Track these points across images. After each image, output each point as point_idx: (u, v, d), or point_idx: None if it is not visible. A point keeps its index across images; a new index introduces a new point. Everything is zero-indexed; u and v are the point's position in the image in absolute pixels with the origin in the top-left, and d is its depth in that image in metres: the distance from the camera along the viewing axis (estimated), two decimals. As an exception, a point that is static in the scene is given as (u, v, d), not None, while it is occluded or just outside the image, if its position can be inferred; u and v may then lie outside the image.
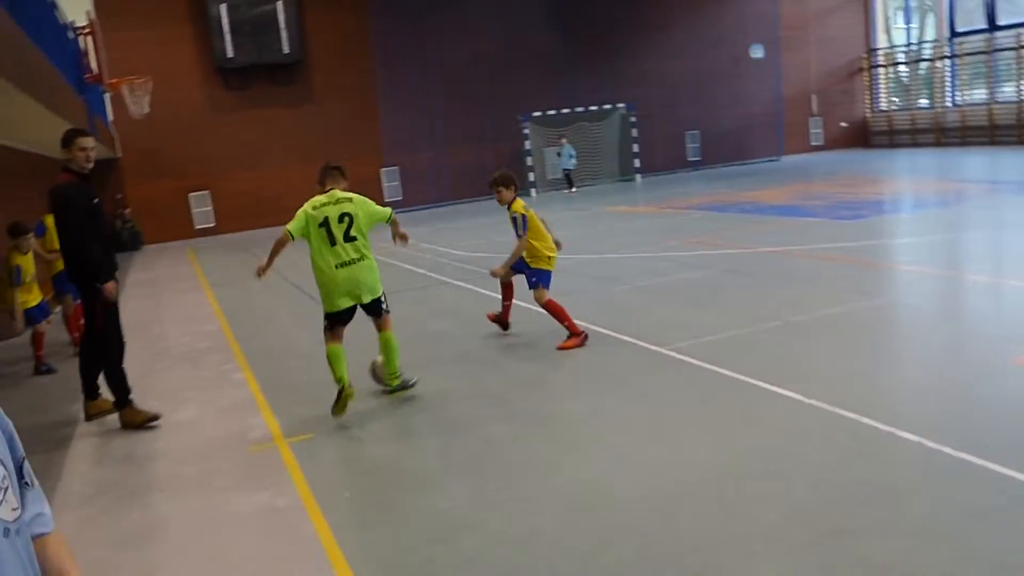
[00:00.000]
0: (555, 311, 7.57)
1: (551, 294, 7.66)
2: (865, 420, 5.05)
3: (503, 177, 7.80)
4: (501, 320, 8.31)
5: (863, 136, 34.30)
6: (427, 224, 20.86)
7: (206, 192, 25.96)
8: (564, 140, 27.85)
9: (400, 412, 6.27)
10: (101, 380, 6.94)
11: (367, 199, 6.43)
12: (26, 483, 1.63)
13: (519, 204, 7.73)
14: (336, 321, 6.29)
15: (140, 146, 24.41)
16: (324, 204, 6.23)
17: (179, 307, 9.76)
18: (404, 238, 6.83)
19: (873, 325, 7.45)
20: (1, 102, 8.29)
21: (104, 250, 6.58)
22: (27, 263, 9.08)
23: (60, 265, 10.15)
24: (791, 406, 5.47)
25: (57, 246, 10.03)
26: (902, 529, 3.81)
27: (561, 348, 7.45)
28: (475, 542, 4.11)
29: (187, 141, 25.34)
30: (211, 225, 26.06)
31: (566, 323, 7.55)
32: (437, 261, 14.05)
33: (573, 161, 27.87)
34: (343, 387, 6.04)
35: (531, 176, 27.78)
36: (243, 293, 13.44)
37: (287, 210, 28.56)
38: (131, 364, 8.96)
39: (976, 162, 22.37)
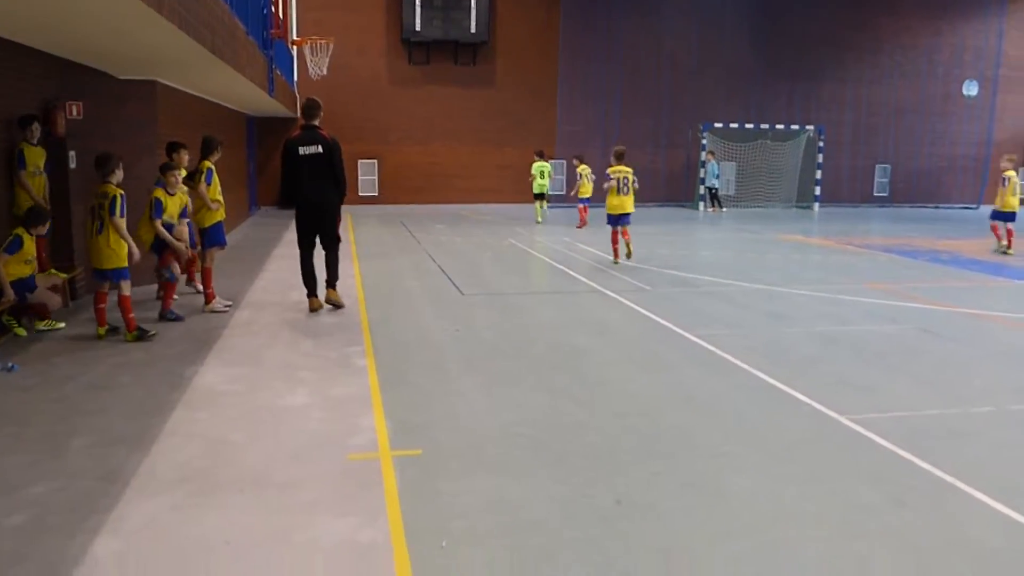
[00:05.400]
0: None
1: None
2: None
3: None
4: None
5: (1081, 195, 30.86)
6: (588, 225, 19.97)
7: (374, 161, 26.09)
8: (712, 157, 26.25)
9: (524, 440, 5.43)
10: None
11: None
12: None
13: None
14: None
15: (318, 108, 24.69)
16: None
17: (322, 275, 9.36)
18: None
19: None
20: (180, 48, 8.00)
21: None
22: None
23: (221, 215, 9.89)
24: (1016, 532, 4.25)
25: (219, 195, 9.80)
26: None
27: None
28: (589, 650, 3.22)
29: (363, 108, 25.49)
30: (374, 194, 26.18)
31: None
32: (593, 265, 13.17)
33: (716, 181, 26.26)
34: None
35: (701, 189, 26.36)
36: (389, 269, 13.00)
37: (454, 188, 28.31)
38: (260, 329, 8.62)
39: None
